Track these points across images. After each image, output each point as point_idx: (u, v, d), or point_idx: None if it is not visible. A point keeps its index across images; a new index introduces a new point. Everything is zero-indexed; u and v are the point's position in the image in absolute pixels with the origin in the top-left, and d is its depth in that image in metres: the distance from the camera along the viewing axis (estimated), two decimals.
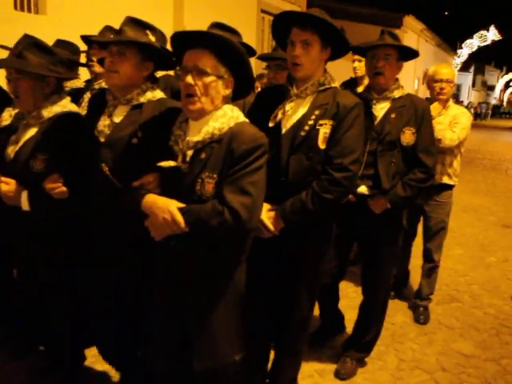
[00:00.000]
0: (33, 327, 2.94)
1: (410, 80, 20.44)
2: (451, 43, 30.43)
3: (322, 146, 2.16)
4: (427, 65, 24.64)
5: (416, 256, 3.93)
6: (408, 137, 2.64)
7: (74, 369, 2.67)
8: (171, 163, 1.86)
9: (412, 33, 20.25)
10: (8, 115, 2.75)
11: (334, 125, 2.15)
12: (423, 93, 20.74)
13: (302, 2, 11.62)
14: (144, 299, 2.11)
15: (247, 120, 1.92)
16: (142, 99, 2.14)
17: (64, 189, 2.23)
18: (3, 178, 2.33)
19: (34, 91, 2.32)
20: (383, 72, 2.61)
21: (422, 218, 3.73)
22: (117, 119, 2.14)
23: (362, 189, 2.64)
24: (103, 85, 3.13)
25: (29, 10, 5.86)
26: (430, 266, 3.69)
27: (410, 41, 20.22)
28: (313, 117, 2.18)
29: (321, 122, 2.16)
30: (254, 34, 9.86)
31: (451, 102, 3.60)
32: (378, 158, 2.63)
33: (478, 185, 9.22)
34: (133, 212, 1.92)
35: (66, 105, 2.42)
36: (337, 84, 2.30)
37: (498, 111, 47.39)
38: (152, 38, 2.18)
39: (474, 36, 33.59)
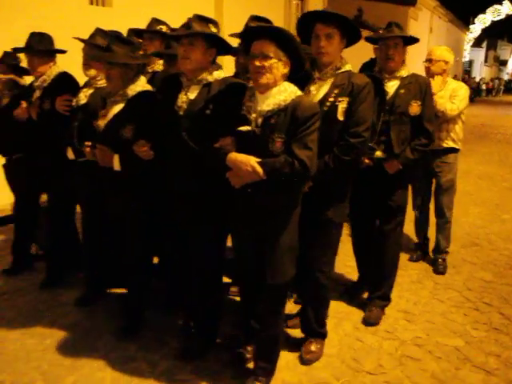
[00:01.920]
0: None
1: (423, 57, 20.75)
2: (464, 19, 30.48)
3: (340, 117, 2.56)
4: (440, 41, 24.79)
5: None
6: (415, 108, 3.09)
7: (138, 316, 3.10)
8: (247, 128, 2.28)
9: (426, 10, 20.47)
10: (84, 95, 3.21)
11: (349, 100, 2.55)
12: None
13: None
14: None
15: (302, 93, 2.37)
16: (210, 78, 2.57)
17: (151, 151, 2.67)
18: (98, 145, 2.79)
19: (122, 76, 2.78)
20: (393, 58, 3.07)
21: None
22: (191, 96, 2.56)
23: (378, 153, 3.06)
24: (156, 68, 3.57)
25: (96, 3, 6.64)
26: (443, 221, 4.09)
27: (424, 18, 20.49)
28: (333, 95, 2.58)
29: (339, 98, 2.57)
30: (282, 17, 10.49)
31: (449, 78, 3.98)
32: (391, 127, 3.05)
33: (493, 156, 9.86)
34: (213, 168, 2.37)
35: (144, 84, 2.88)
36: (350, 67, 2.67)
37: (510, 86, 47.17)
38: (214, 30, 2.60)
39: (487, 10, 33.52)
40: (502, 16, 33.58)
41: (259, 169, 2.21)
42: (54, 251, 3.72)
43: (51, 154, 3.46)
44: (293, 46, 2.28)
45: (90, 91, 3.19)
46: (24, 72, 3.88)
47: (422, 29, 19.70)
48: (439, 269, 4.03)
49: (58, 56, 3.55)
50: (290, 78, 2.36)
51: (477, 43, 35.95)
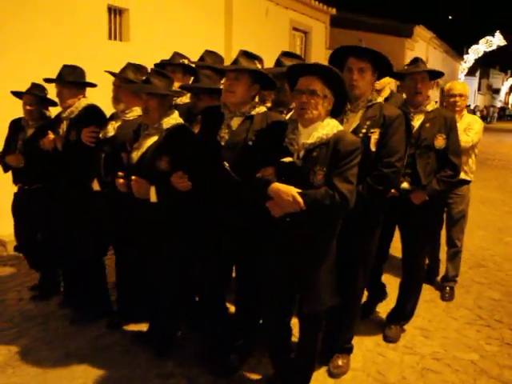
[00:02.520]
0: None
1: None
2: (458, 49, 31.34)
3: (373, 148, 2.66)
4: None
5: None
6: (440, 142, 3.17)
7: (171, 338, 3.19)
8: (289, 159, 2.36)
9: (422, 42, 21.12)
10: (112, 128, 3.28)
11: (381, 132, 2.66)
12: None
13: (326, 18, 12.70)
14: (260, 265, 2.59)
15: (343, 128, 2.46)
16: (253, 112, 2.67)
17: (189, 182, 2.73)
18: (134, 177, 2.81)
19: (159, 108, 2.88)
20: (421, 91, 3.20)
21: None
22: (234, 127, 2.66)
23: (404, 185, 3.15)
24: (178, 101, 3.53)
25: (115, 38, 6.96)
26: (454, 251, 4.23)
27: (420, 49, 21.11)
28: (365, 126, 2.68)
29: (372, 130, 2.67)
30: (286, 49, 10.93)
31: (465, 112, 4.14)
32: (417, 160, 3.14)
33: (491, 182, 10.17)
34: (253, 198, 2.43)
35: (177, 117, 2.98)
36: (381, 99, 2.85)
37: (503, 114, 48.11)
38: (259, 66, 2.72)
39: (480, 42, 34.43)
40: (494, 47, 34.51)
41: (300, 199, 2.26)
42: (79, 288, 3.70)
43: (75, 185, 3.49)
44: (340, 84, 2.37)
45: (118, 124, 3.28)
46: (50, 103, 3.94)
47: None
48: (445, 297, 4.12)
49: (93, 90, 3.68)
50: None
51: (470, 72, 36.82)
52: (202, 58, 3.93)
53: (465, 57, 33.68)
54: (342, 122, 2.67)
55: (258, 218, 2.52)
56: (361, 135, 2.66)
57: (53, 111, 3.96)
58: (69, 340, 3.33)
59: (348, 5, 17.24)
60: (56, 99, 3.69)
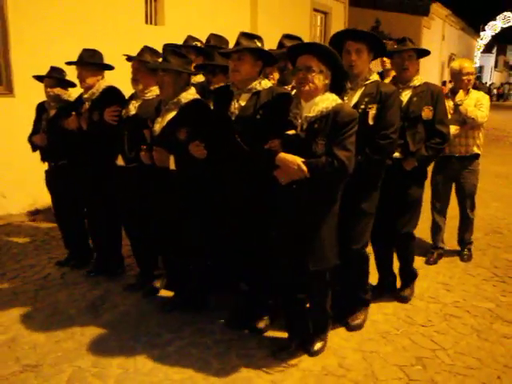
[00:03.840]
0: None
1: (436, 64, 21.35)
2: (475, 26, 31.07)
3: (371, 122, 2.91)
4: (451, 49, 25.44)
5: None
6: (427, 113, 3.38)
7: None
8: (293, 132, 2.59)
9: (438, 19, 21.11)
10: (133, 107, 3.47)
11: (378, 107, 2.90)
12: (448, 75, 21.70)
13: None
14: (271, 229, 2.78)
15: (341, 101, 2.64)
16: (259, 87, 2.88)
17: (204, 150, 2.95)
18: (155, 147, 3.08)
19: (174, 84, 3.08)
20: (408, 68, 3.39)
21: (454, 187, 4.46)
22: (242, 103, 2.88)
23: (396, 154, 3.31)
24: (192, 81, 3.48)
25: (151, 23, 7.37)
26: (468, 222, 4.52)
27: (437, 26, 21.09)
28: (363, 102, 2.93)
29: (369, 105, 2.91)
30: (307, 29, 11.22)
31: (471, 88, 4.31)
32: (406, 131, 3.33)
33: (506, 158, 10.47)
34: (262, 167, 2.66)
35: (194, 93, 3.20)
36: (377, 77, 3.05)
37: None
38: (259, 44, 2.90)
39: (498, 18, 34.06)
40: None
41: (304, 167, 2.49)
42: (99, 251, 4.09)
43: (99, 162, 3.72)
44: (332, 59, 2.58)
45: (139, 103, 3.49)
46: (69, 85, 4.13)
47: (434, 37, 20.36)
48: (464, 258, 4.47)
49: (108, 73, 3.89)
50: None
51: (487, 49, 36.48)
52: (208, 40, 4.24)
53: (481, 33, 33.36)
54: (342, 100, 2.84)
55: (264, 186, 2.79)
56: (360, 110, 2.90)
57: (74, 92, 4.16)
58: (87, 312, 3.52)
59: None
60: (76, 81, 3.92)
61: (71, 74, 3.98)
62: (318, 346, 2.93)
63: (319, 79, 2.56)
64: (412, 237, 3.62)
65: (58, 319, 3.37)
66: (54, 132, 4.00)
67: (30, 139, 4.18)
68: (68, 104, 4.03)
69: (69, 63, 3.78)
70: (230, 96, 2.96)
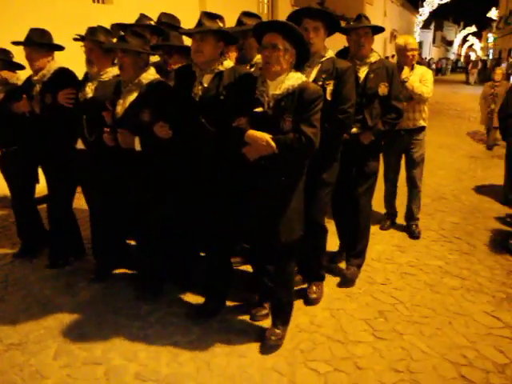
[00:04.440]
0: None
1: (379, 40, 21.97)
2: (414, 2, 32.09)
3: (329, 98, 3.00)
4: (393, 25, 26.23)
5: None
6: (383, 89, 3.49)
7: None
8: (260, 109, 2.62)
9: None
10: (89, 90, 3.40)
11: (335, 83, 3.01)
12: (391, 51, 22.41)
13: None
14: (242, 201, 2.86)
15: (306, 79, 2.72)
16: (221, 68, 2.88)
17: (169, 130, 2.94)
18: (120, 130, 3.03)
19: (134, 65, 3.04)
20: (364, 45, 3.45)
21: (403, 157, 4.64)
22: (205, 84, 2.87)
23: (354, 129, 3.43)
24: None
25: (98, 1, 7.19)
26: (416, 191, 4.64)
27: (379, 3, 21.66)
28: (321, 79, 3.02)
29: (327, 82, 3.01)
30: (255, 6, 11.26)
31: (415, 64, 4.43)
32: (364, 106, 3.42)
33: (448, 129, 11.12)
34: (230, 145, 2.70)
35: (154, 73, 3.17)
36: (333, 54, 3.13)
37: (456, 66, 49.59)
38: (221, 25, 2.91)
39: None
40: None
41: (273, 143, 2.56)
42: (56, 237, 3.91)
43: (55, 146, 3.62)
44: (297, 36, 2.60)
45: (95, 85, 3.41)
46: (17, 67, 3.97)
47: (377, 13, 20.95)
48: (415, 233, 4.57)
49: (58, 54, 3.70)
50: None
51: (425, 25, 37.76)
52: (159, 19, 4.19)
53: (420, 10, 34.46)
54: None
55: (232, 164, 2.83)
56: None
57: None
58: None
59: None
60: (24, 63, 3.77)
61: (19, 55, 3.80)
62: (278, 332, 2.89)
63: (284, 57, 2.59)
64: (369, 206, 3.79)
65: (34, 300, 3.42)
66: (3, 116, 3.80)
67: None
68: (16, 87, 3.86)
69: (16, 43, 3.58)
70: (191, 76, 2.94)
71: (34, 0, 5.87)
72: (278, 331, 2.88)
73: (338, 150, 3.27)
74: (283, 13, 12.20)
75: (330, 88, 3.03)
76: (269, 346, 2.83)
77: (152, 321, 3.13)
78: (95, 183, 3.57)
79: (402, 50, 4.39)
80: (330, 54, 3.16)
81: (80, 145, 3.48)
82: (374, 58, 3.53)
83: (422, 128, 4.57)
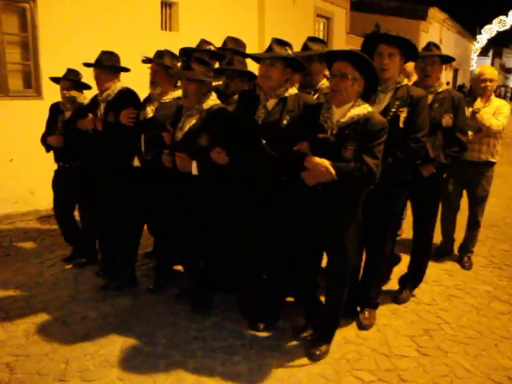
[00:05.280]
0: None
1: None
2: (471, 29, 31.56)
3: (401, 125, 2.97)
4: (449, 52, 25.82)
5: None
6: (447, 120, 3.39)
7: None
8: (324, 135, 2.65)
9: (436, 23, 21.56)
10: (150, 110, 3.52)
11: (409, 110, 2.96)
12: (446, 77, 22.14)
13: (347, 4, 13.32)
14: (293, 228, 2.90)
15: (374, 108, 2.76)
16: (286, 94, 2.97)
17: (226, 157, 3.02)
18: (178, 153, 3.12)
19: (197, 92, 3.14)
20: (430, 74, 3.43)
21: (464, 193, 4.52)
22: (269, 108, 2.96)
23: None
24: None
25: (166, 29, 7.75)
26: (475, 227, 4.54)
27: (434, 30, 21.53)
28: (395, 106, 2.98)
29: (400, 109, 2.97)
30: (311, 34, 11.64)
31: (493, 96, 4.30)
32: (427, 137, 3.17)
33: (503, 158, 10.83)
34: (289, 169, 2.78)
35: (215, 99, 3.25)
36: (408, 81, 3.11)
37: None
38: (290, 52, 2.97)
39: (493, 21, 34.52)
40: (507, 26, 34.62)
41: (332, 170, 2.55)
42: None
43: (114, 162, 3.76)
44: (368, 67, 2.63)
45: (156, 106, 3.53)
46: (85, 87, 4.21)
47: (432, 40, 20.82)
48: (465, 266, 4.44)
49: (125, 75, 3.93)
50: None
51: (483, 52, 36.97)
52: (225, 43, 4.30)
53: (478, 37, 33.83)
54: (373, 102, 2.95)
55: (289, 188, 2.90)
56: (391, 113, 2.98)
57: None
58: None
59: None
60: (91, 83, 4.01)
61: (86, 75, 4.11)
62: (322, 349, 2.98)
63: (352, 87, 2.62)
64: (431, 240, 3.76)
65: (101, 299, 3.74)
66: (70, 133, 4.07)
67: (44, 140, 4.25)
68: (83, 106, 4.11)
69: (87, 65, 3.81)
70: (255, 100, 3.02)
71: (108, 26, 6.44)
72: (322, 348, 2.98)
73: (408, 181, 3.23)
74: (338, 39, 12.51)
75: (403, 115, 3.00)
76: (315, 358, 2.95)
77: (208, 324, 3.37)
78: (150, 200, 3.66)
79: (476, 80, 4.33)
80: (406, 81, 3.13)
81: (136, 162, 3.64)
82: (440, 88, 3.47)
83: (489, 163, 4.36)
